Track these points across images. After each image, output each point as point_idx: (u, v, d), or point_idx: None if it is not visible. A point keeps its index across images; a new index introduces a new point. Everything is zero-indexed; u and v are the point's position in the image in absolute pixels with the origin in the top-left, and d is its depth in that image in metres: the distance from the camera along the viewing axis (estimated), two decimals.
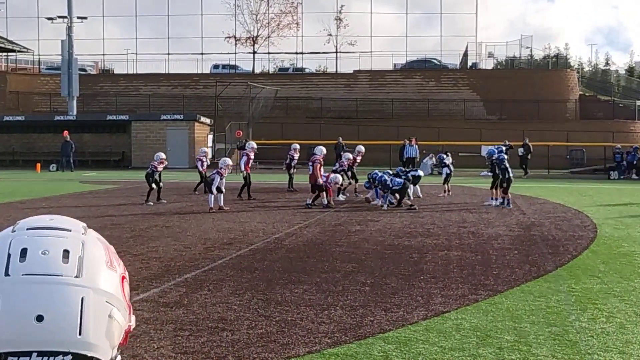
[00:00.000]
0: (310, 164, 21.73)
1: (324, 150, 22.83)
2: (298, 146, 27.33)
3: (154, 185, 21.90)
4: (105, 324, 1.52)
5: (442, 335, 7.31)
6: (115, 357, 1.58)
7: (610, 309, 8.47)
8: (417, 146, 40.24)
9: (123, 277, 1.62)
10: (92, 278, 1.52)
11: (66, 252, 1.53)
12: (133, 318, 1.70)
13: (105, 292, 1.53)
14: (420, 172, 23.98)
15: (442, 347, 6.90)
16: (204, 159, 25.53)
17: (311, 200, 21.06)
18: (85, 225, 1.65)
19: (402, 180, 20.91)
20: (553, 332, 7.42)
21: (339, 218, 18.24)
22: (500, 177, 21.25)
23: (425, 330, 7.51)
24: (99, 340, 1.51)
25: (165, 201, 21.93)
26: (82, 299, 1.49)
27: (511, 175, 21.18)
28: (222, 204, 19.93)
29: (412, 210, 19.93)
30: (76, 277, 1.51)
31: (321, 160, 21.85)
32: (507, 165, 21.31)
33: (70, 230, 1.60)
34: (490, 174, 22.60)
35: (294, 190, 26.14)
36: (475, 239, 14.59)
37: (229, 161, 21.08)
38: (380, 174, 21.05)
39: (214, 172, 20.43)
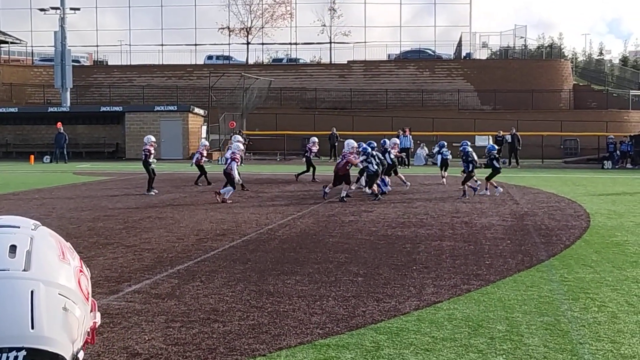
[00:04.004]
0: (341, 157, 21.06)
1: (354, 143, 21.73)
2: (317, 139, 27.40)
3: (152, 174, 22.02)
4: (60, 317, 1.48)
5: (434, 325, 7.31)
6: (77, 353, 1.53)
7: (602, 299, 8.47)
8: (411, 136, 40.23)
9: (80, 271, 1.58)
10: (42, 271, 1.48)
11: (13, 247, 1.50)
12: (98, 315, 1.66)
13: (57, 284, 1.49)
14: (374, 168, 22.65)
15: (434, 337, 6.90)
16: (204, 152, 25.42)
17: (345, 193, 20.20)
18: (37, 222, 1.61)
19: (375, 169, 20.69)
20: (545, 322, 7.42)
21: (332, 209, 18.22)
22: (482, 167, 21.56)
23: (417, 320, 7.51)
24: (55, 333, 1.46)
25: (157, 191, 21.94)
26: (32, 292, 1.45)
27: (499, 166, 21.49)
28: (221, 192, 19.88)
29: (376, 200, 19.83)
30: (24, 270, 1.47)
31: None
32: (497, 156, 21.57)
33: (18, 227, 1.56)
34: (481, 166, 22.71)
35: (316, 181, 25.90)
36: (468, 228, 14.60)
37: (242, 145, 20.70)
38: (369, 150, 20.92)
39: (229, 160, 20.18)
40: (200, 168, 24.92)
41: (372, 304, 8.18)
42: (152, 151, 22.40)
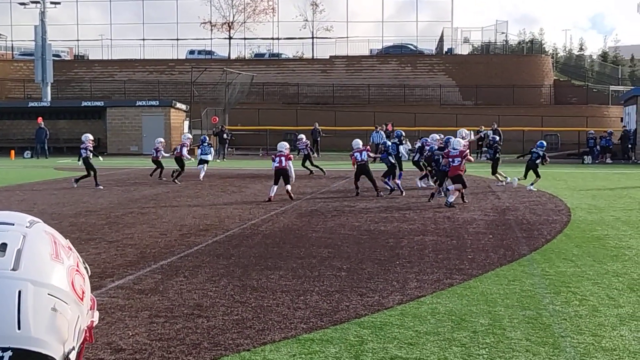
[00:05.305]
0: (458, 158, 18.14)
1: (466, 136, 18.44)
2: (304, 136, 30.38)
3: (93, 170, 23.02)
4: (48, 317, 1.46)
5: (417, 319, 7.35)
6: (69, 354, 1.52)
7: (583, 292, 8.55)
8: (382, 132, 40.30)
9: (75, 270, 1.57)
10: (32, 271, 1.47)
11: (3, 246, 1.48)
12: (96, 314, 1.65)
13: (47, 284, 1.48)
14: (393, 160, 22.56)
15: (418, 331, 6.94)
16: (161, 148, 26.68)
17: (454, 197, 17.79)
18: (33, 219, 1.59)
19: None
20: (527, 316, 7.49)
21: (315, 204, 18.24)
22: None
23: (401, 314, 7.55)
24: (42, 334, 1.45)
25: (102, 187, 22.37)
26: (19, 292, 1.44)
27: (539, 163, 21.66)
28: (289, 189, 19.04)
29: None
30: (13, 270, 1.46)
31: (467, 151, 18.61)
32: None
33: (13, 224, 1.55)
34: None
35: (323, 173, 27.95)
36: (451, 223, 14.67)
37: (287, 144, 20.08)
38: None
39: (277, 158, 19.11)
40: (157, 163, 26.13)
41: (355, 298, 8.21)
42: (90, 147, 23.51)
